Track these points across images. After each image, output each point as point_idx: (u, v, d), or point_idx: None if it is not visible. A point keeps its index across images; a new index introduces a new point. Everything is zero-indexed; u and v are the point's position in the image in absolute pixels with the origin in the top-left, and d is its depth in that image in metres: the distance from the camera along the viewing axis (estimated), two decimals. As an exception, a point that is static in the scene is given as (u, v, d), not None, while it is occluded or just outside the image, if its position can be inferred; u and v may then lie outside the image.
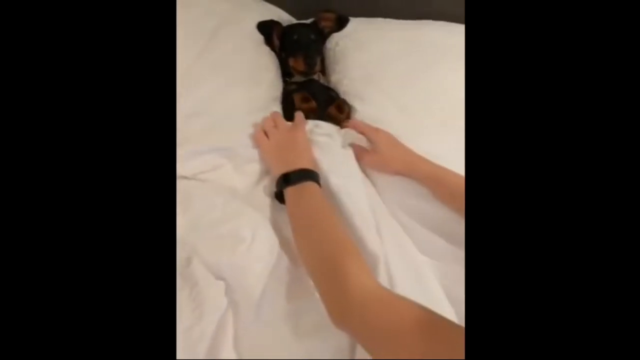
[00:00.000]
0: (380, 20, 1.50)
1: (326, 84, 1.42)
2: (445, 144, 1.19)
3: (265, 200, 0.99)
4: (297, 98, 1.27)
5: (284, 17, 1.49)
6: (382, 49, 1.38)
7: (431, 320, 0.63)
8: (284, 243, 0.92)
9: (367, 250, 0.87)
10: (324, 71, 1.44)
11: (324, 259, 0.78)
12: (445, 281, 0.93)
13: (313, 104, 1.25)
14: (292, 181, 0.94)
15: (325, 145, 1.10)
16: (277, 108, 1.25)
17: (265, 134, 1.08)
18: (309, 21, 1.45)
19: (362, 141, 1.16)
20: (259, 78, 1.26)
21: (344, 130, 1.22)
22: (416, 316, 0.63)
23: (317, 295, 0.78)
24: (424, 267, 0.95)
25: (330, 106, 1.27)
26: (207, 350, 0.76)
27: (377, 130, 1.14)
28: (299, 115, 1.16)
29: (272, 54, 1.38)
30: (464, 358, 0.51)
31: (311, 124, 1.16)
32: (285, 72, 1.40)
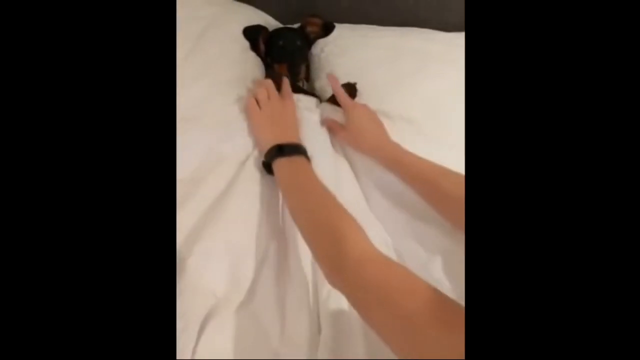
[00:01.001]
0: (364, 27, 1.50)
1: (311, 90, 1.42)
2: (428, 150, 1.17)
3: (255, 176, 1.02)
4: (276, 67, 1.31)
5: (271, 22, 1.49)
6: (366, 56, 1.37)
7: (420, 284, 0.64)
8: (272, 228, 0.94)
9: None
10: (308, 77, 1.44)
11: (322, 224, 0.80)
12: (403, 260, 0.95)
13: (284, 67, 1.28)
14: (285, 153, 0.98)
15: (304, 120, 1.14)
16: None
17: (257, 103, 1.10)
18: (295, 26, 1.44)
19: (339, 116, 1.20)
20: (246, 83, 1.27)
21: (322, 104, 1.25)
22: (408, 279, 0.65)
23: (300, 276, 0.82)
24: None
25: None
26: (191, 353, 0.76)
27: (354, 105, 1.17)
28: (286, 83, 1.20)
29: (259, 59, 1.38)
30: (450, 324, 0.53)
31: (293, 97, 1.17)
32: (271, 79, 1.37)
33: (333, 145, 1.18)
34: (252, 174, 1.02)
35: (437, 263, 0.94)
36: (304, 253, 0.87)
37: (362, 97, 1.32)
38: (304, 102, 1.22)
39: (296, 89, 1.32)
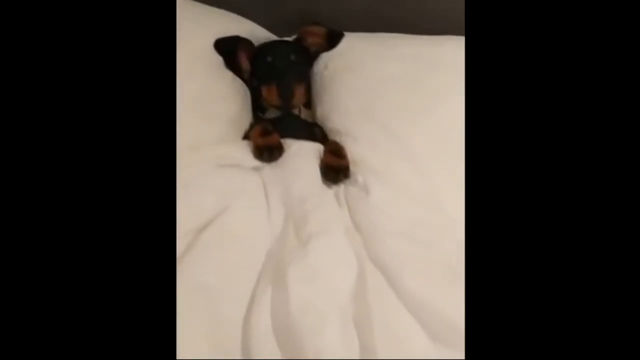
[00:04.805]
0: (382, 35, 1.29)
1: (310, 120, 1.21)
2: (455, 199, 0.95)
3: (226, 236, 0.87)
4: (254, 132, 1.07)
5: (259, 34, 1.28)
6: (384, 72, 1.17)
7: None
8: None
9: None
10: (309, 103, 1.22)
11: None
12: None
13: (274, 138, 1.04)
14: None
15: (303, 186, 0.97)
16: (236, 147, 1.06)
17: None
18: (291, 38, 1.27)
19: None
20: (213, 112, 1.07)
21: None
22: None
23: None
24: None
25: (325, 153, 1.05)
26: None
27: None
28: None
29: (238, 80, 1.19)
30: None
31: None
32: (258, 105, 1.19)
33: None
34: (216, 238, 0.86)
35: None
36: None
37: (378, 128, 1.10)
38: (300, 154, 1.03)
39: (289, 128, 1.11)
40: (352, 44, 1.24)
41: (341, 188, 1.01)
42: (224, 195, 0.91)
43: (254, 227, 0.89)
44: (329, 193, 0.99)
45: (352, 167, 1.03)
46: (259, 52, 1.18)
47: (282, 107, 1.13)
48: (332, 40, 1.24)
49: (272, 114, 1.15)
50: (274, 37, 1.30)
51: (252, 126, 1.13)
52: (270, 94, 1.11)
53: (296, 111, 1.17)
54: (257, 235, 0.88)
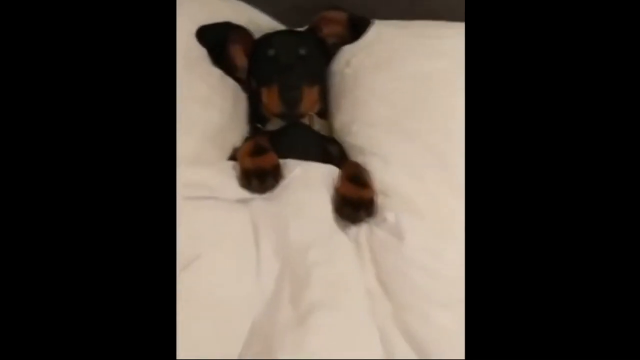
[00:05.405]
0: (419, 24, 1.09)
1: (326, 133, 1.01)
2: None
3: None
4: (243, 150, 0.88)
5: (261, 22, 1.11)
6: (423, 70, 0.97)
7: None
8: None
9: None
10: (325, 112, 1.01)
11: None
12: None
13: (268, 159, 0.84)
14: None
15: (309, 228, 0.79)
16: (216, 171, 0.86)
17: None
18: (303, 28, 1.12)
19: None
20: (190, 120, 0.88)
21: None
22: None
23: None
24: None
25: (342, 179, 0.86)
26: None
27: None
28: None
29: (229, 81, 1.01)
30: None
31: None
32: (258, 114, 1.01)
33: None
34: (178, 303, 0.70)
35: None
36: None
37: (416, 145, 0.90)
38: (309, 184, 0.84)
39: (294, 144, 0.92)
40: (382, 34, 1.06)
41: (362, 230, 0.81)
42: (192, 241, 0.73)
43: (233, 287, 0.72)
44: (344, 238, 0.79)
45: (379, 200, 0.84)
46: (259, 45, 1.01)
47: (285, 116, 0.94)
48: (356, 29, 1.06)
49: (275, 125, 0.94)
50: (281, 27, 1.14)
51: (246, 141, 0.92)
52: (270, 98, 0.91)
53: (306, 121, 0.97)
54: (237, 300, 0.71)
